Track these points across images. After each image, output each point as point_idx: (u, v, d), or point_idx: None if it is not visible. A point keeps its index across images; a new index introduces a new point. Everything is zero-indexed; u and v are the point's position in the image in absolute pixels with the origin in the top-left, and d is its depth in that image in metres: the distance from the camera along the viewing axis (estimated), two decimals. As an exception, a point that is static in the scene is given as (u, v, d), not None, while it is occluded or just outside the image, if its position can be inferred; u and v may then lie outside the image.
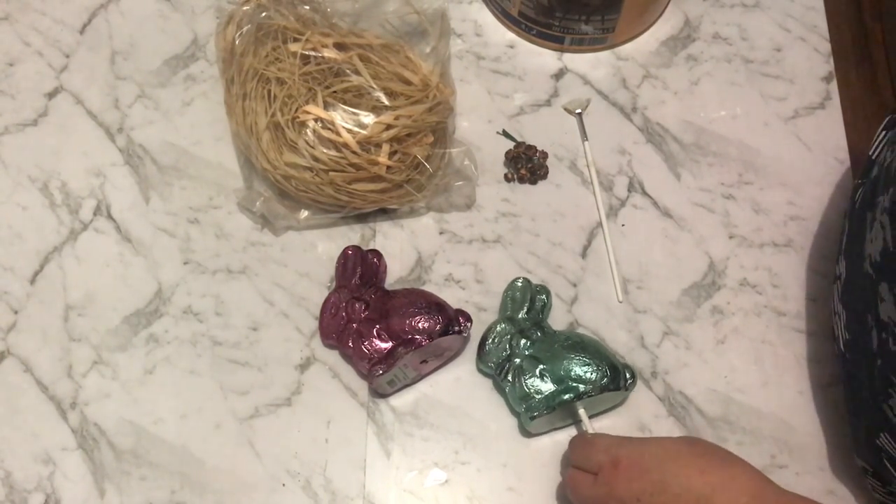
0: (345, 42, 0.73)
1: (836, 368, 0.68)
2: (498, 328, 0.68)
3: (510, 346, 0.68)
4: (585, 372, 0.65)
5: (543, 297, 0.70)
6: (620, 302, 0.73)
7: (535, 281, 0.71)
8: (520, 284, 0.70)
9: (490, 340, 0.68)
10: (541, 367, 0.66)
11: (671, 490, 0.55)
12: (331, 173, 0.69)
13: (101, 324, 0.71)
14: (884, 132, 0.66)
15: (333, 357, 0.70)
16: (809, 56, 0.83)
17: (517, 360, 0.67)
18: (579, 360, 0.66)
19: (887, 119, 0.66)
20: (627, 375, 0.67)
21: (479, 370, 0.70)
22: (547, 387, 0.66)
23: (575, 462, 0.62)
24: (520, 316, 0.69)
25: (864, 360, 0.60)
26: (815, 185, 0.77)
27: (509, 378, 0.67)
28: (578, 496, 0.61)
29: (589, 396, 0.65)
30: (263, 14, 0.73)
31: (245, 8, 0.74)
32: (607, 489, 0.58)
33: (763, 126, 0.80)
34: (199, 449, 0.67)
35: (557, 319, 0.72)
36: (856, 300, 0.62)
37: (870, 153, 0.67)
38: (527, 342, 0.67)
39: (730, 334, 0.72)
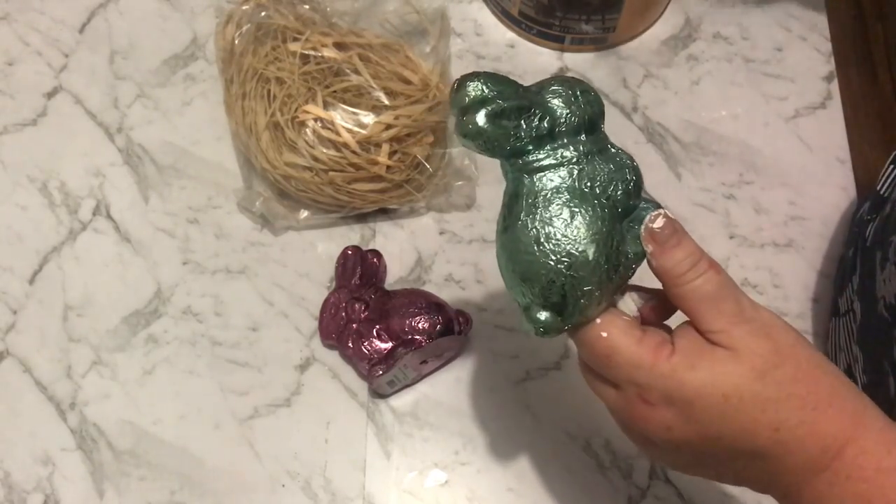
0: (344, 41, 0.73)
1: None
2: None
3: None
4: None
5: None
6: (621, 302, 0.72)
7: None
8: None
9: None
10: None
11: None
12: (330, 173, 0.69)
13: (101, 324, 0.71)
14: (892, 167, 0.64)
15: (333, 357, 0.70)
16: (810, 55, 0.83)
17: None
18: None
19: (894, 154, 0.65)
20: None
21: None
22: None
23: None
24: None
25: (883, 407, 0.59)
26: (817, 184, 0.77)
27: None
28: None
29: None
30: (263, 13, 0.73)
31: (244, 7, 0.74)
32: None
33: (764, 126, 0.79)
34: (199, 449, 0.67)
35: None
36: (871, 344, 0.60)
37: (878, 188, 0.65)
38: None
39: (731, 334, 0.71)
